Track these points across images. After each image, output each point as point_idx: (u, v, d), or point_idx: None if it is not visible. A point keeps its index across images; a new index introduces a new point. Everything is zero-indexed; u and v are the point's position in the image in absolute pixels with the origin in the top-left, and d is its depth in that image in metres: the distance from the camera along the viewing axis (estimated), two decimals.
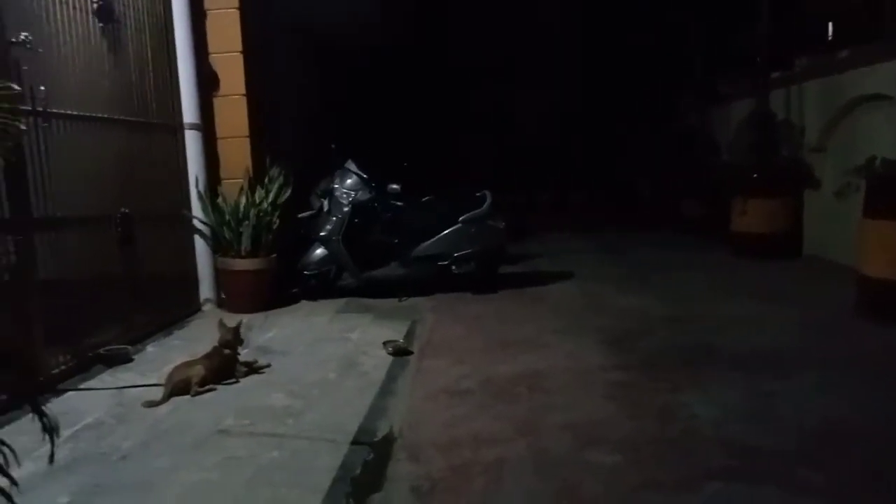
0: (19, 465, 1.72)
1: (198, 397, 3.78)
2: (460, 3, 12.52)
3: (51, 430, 1.59)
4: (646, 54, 12.15)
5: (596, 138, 12.93)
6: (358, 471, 2.94)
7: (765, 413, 3.43)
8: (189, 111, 5.81)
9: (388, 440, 3.27)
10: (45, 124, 4.12)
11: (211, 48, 6.10)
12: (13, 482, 1.60)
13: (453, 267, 6.47)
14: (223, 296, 5.99)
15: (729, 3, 9.46)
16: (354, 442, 3.21)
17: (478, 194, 6.64)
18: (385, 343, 4.72)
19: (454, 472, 2.92)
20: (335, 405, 3.68)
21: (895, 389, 3.69)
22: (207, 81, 6.04)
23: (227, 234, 5.84)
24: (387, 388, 3.98)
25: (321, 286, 6.38)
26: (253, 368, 4.21)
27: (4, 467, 1.51)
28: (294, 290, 6.36)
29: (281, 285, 6.17)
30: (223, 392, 3.90)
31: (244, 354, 4.32)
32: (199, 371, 3.85)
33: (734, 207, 7.78)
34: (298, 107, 7.70)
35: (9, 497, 1.64)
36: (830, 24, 8.70)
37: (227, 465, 2.99)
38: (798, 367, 4.07)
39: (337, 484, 2.80)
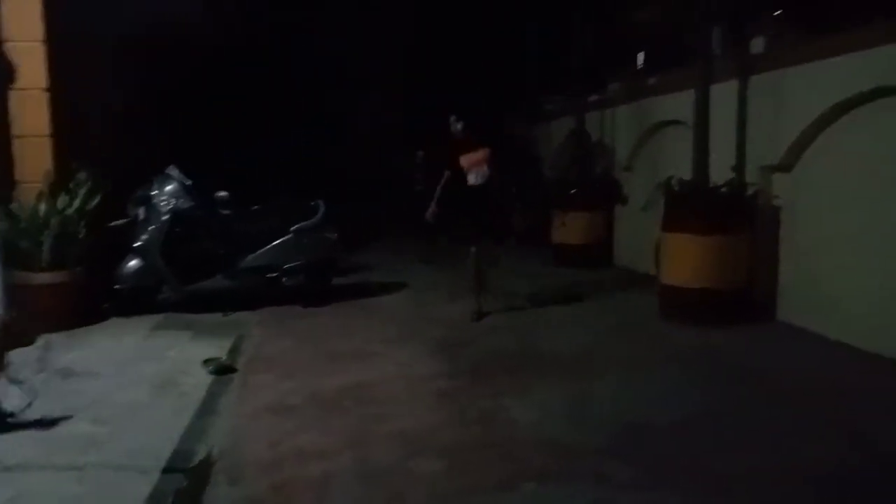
0: None
1: None
2: (295, 11, 12.24)
3: None
4: (476, 68, 12.60)
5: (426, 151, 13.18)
6: (170, 500, 2.74)
7: (580, 413, 3.66)
8: None
9: (206, 464, 3.08)
10: None
11: (7, 34, 5.46)
12: None
13: (283, 279, 6.28)
14: (19, 313, 5.32)
15: (554, 26, 10.08)
16: (167, 469, 2.99)
17: (311, 204, 6.51)
18: (206, 361, 4.46)
19: (276, 492, 2.81)
20: (147, 430, 3.40)
21: (692, 386, 4.07)
22: (1, 72, 5.40)
23: (24, 245, 5.23)
24: (207, 407, 3.76)
25: (136, 301, 5.90)
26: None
27: None
28: (105, 306, 5.83)
29: (90, 300, 5.62)
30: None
31: (41, 379, 3.86)
32: None
33: (554, 220, 8.29)
34: (119, 106, 7.05)
35: None
36: (640, 55, 9.65)
37: (20, 499, 2.65)
38: (611, 367, 4.41)
39: None
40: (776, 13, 5.63)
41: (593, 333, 5.25)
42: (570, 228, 8.11)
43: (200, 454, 3.17)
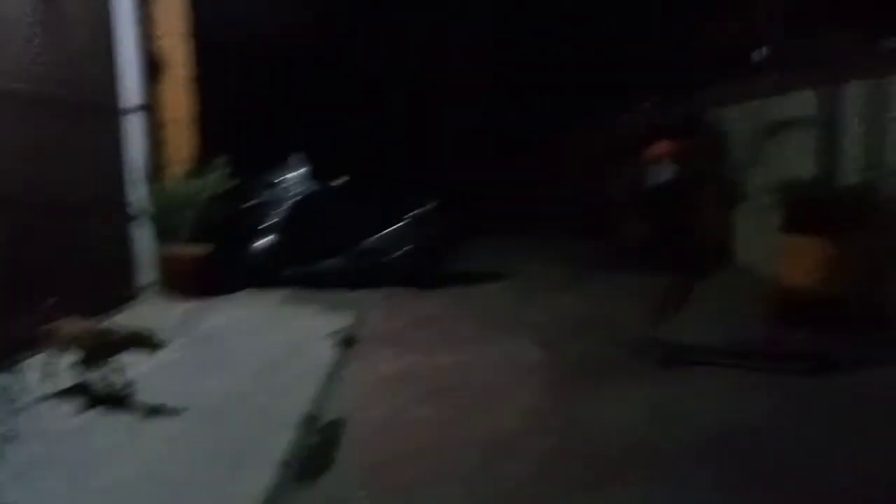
0: None
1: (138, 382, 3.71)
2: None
3: None
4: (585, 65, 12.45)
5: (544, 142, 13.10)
6: (306, 452, 3.02)
7: (682, 416, 3.56)
8: (131, 92, 5.72)
9: (335, 425, 3.35)
10: None
11: (157, 28, 6.02)
12: None
13: (397, 263, 6.58)
14: (164, 283, 5.89)
15: (666, 20, 9.83)
16: (301, 426, 3.28)
17: (424, 193, 6.77)
18: (331, 334, 4.78)
19: (397, 456, 3.03)
20: (281, 391, 3.73)
21: (797, 396, 3.85)
22: (152, 62, 5.96)
23: (169, 221, 5.77)
24: (332, 375, 4.06)
25: (264, 276, 6.37)
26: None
27: None
28: (237, 279, 6.31)
29: (224, 274, 6.12)
30: (163, 374, 3.87)
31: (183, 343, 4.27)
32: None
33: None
34: (248, 93, 7.62)
35: None
36: (759, 50, 9.30)
37: (173, 446, 3.01)
38: (720, 370, 4.33)
39: (286, 464, 2.87)
40: None
41: (703, 333, 5.17)
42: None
43: (329, 416, 3.45)
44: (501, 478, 2.85)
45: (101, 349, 3.39)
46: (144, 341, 3.43)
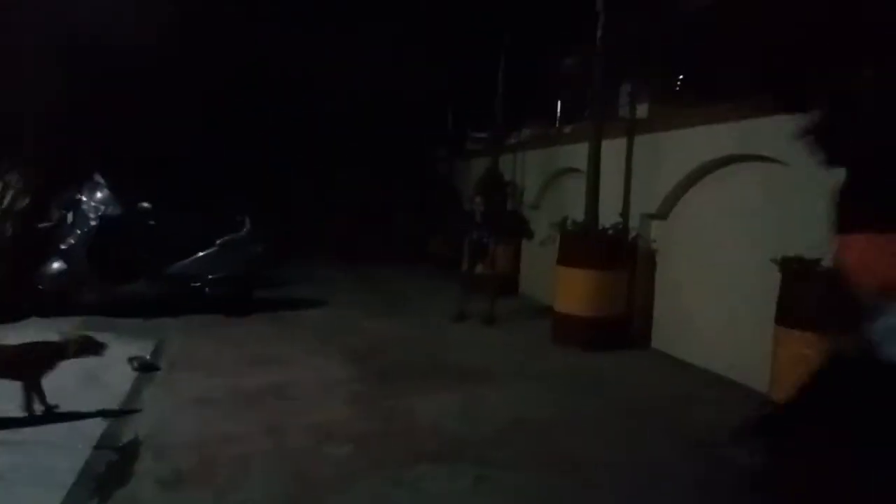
0: None
1: None
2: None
3: None
4: (404, 108, 13.25)
5: (354, 179, 13.65)
6: (102, 470, 3.08)
7: (472, 411, 4.21)
8: None
9: (134, 443, 3.42)
10: None
11: None
12: None
13: (207, 288, 6.58)
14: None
15: (476, 73, 10.83)
16: (98, 446, 3.32)
17: (238, 218, 6.86)
18: (130, 359, 4.74)
19: (201, 466, 3.20)
20: (76, 415, 3.69)
21: (569, 395, 4.71)
22: None
23: None
24: (132, 398, 4.08)
25: (57, 301, 6.05)
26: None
27: None
28: (24, 305, 5.94)
29: (12, 299, 5.74)
30: None
31: None
32: None
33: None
34: (48, 111, 7.21)
35: None
36: (558, 104, 10.53)
37: None
38: (502, 378, 5.01)
39: (80, 482, 2.93)
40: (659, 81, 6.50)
41: (492, 350, 5.86)
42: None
43: (128, 436, 3.50)
44: (292, 481, 3.14)
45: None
46: (93, 346, 3.80)
